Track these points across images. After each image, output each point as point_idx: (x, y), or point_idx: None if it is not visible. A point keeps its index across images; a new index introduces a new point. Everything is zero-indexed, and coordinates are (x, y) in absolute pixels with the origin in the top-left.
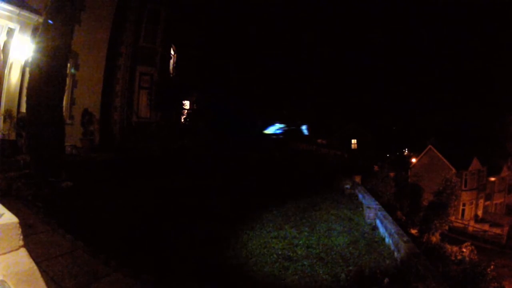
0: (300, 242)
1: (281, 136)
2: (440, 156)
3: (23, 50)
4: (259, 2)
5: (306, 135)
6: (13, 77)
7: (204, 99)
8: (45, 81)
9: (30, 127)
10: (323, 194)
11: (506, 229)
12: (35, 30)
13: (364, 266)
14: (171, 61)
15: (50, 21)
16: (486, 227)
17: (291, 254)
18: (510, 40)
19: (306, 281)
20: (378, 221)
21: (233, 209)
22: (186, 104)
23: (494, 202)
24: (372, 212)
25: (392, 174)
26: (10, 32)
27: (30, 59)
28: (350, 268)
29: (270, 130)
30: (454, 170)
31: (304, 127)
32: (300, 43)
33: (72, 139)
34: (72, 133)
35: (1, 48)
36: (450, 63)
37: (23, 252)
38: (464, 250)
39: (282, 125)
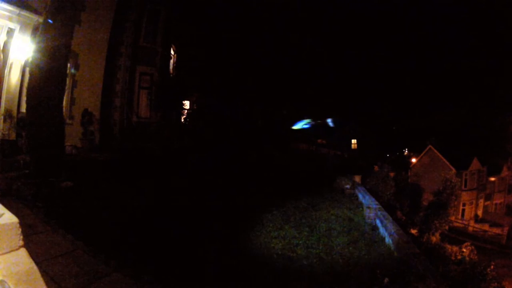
0: (300, 242)
1: (309, 130)
2: (440, 156)
3: (23, 50)
4: (260, 1)
5: (330, 128)
6: (13, 77)
7: (204, 99)
8: (45, 81)
9: (30, 127)
10: (323, 194)
11: (506, 229)
12: (35, 30)
13: (364, 266)
14: (171, 61)
15: (50, 21)
16: (486, 227)
17: (291, 254)
18: (510, 40)
19: (306, 281)
20: (378, 221)
21: (233, 209)
22: (186, 104)
23: (494, 202)
24: (372, 212)
25: (392, 174)
26: (10, 32)
27: (30, 59)
28: (350, 268)
29: (299, 125)
30: (454, 170)
31: (329, 120)
32: (301, 43)
33: (72, 139)
34: (72, 133)
35: (1, 48)
36: (450, 63)
37: (23, 252)
38: (464, 250)
39: (309, 120)
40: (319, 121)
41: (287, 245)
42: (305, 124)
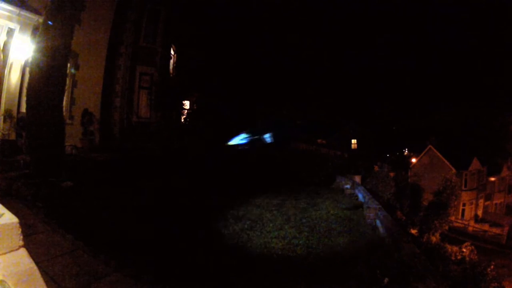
0: (300, 242)
1: (246, 147)
2: (440, 156)
3: (23, 50)
4: (260, 2)
5: (270, 143)
6: (13, 77)
7: (204, 99)
8: (45, 81)
9: (30, 127)
10: (323, 194)
11: (506, 229)
12: (35, 30)
13: (364, 266)
14: (171, 61)
15: (50, 23)
16: (486, 227)
17: (291, 254)
18: (510, 40)
19: (306, 281)
20: (378, 221)
21: (233, 209)
22: (186, 104)
23: (494, 202)
24: (372, 212)
25: (392, 174)
26: (10, 32)
27: (30, 59)
28: (350, 268)
29: (235, 140)
30: (454, 170)
31: (267, 136)
32: (301, 43)
33: (72, 139)
34: (72, 133)
35: (1, 48)
36: (450, 63)
37: (23, 252)
38: (464, 250)
39: (247, 135)
40: (256, 137)
41: (287, 245)
42: (242, 139)
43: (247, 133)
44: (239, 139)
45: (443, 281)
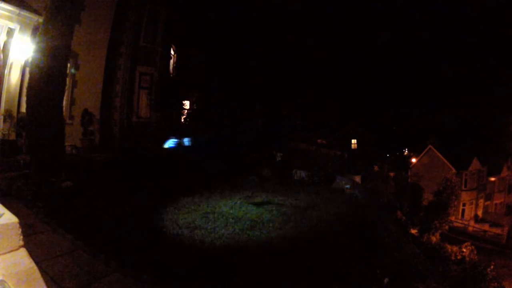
0: (301, 242)
1: (174, 148)
2: (440, 156)
3: (23, 50)
4: (260, 1)
5: (187, 146)
6: (13, 77)
7: (204, 99)
8: (45, 81)
9: (30, 127)
10: (323, 194)
11: (506, 229)
12: (35, 30)
13: (365, 265)
14: (171, 61)
15: (51, 26)
16: (486, 227)
17: (292, 254)
18: (510, 40)
19: (307, 280)
20: (378, 221)
21: (233, 209)
22: (186, 104)
23: (494, 202)
24: (372, 212)
25: (392, 174)
26: (10, 32)
27: (30, 59)
28: (351, 267)
29: (168, 144)
30: (454, 170)
31: (186, 140)
32: (301, 43)
33: (72, 139)
34: (72, 133)
35: (1, 48)
36: (450, 63)
37: (23, 252)
38: (464, 250)
39: (175, 140)
40: (180, 140)
41: (288, 245)
42: (171, 143)
43: (174, 137)
44: (169, 143)
45: (443, 281)
